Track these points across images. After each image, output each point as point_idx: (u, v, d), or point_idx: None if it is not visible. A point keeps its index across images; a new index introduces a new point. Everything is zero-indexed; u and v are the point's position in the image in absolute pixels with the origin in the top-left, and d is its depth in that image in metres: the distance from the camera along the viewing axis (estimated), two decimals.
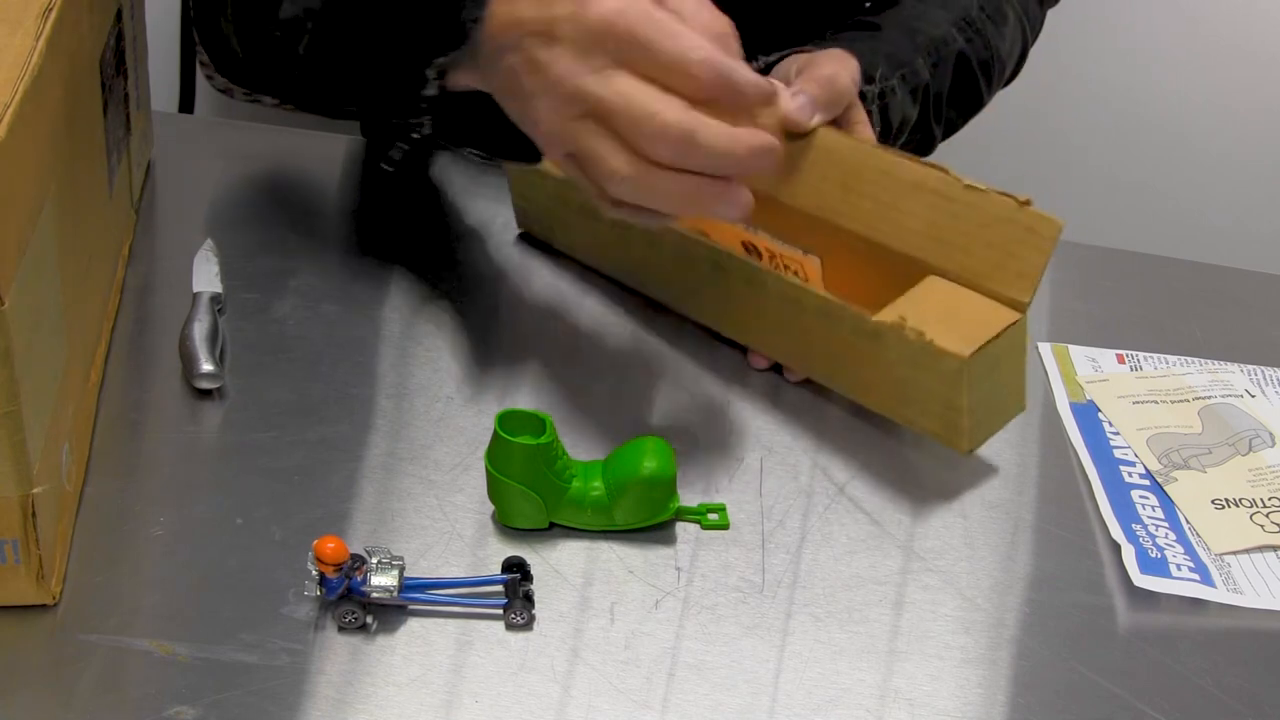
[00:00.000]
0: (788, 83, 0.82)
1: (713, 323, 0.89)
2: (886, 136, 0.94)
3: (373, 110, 0.85)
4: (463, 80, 0.76)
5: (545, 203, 0.95)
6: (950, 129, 1.05)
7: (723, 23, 0.72)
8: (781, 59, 0.87)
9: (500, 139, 0.79)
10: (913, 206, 0.80)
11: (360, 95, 0.85)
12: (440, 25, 0.74)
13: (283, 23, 0.85)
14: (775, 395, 0.85)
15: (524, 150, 0.79)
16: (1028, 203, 0.77)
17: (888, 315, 0.77)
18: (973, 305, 0.77)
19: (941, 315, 0.77)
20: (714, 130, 0.68)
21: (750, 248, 0.85)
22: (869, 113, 0.87)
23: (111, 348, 0.83)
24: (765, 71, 0.86)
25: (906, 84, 0.96)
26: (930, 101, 0.99)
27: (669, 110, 0.68)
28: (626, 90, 0.68)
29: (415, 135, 0.80)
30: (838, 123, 0.83)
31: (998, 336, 0.76)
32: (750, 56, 0.76)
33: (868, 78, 0.91)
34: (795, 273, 0.83)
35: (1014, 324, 0.76)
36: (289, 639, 0.66)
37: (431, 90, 0.76)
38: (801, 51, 0.87)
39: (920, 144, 1.01)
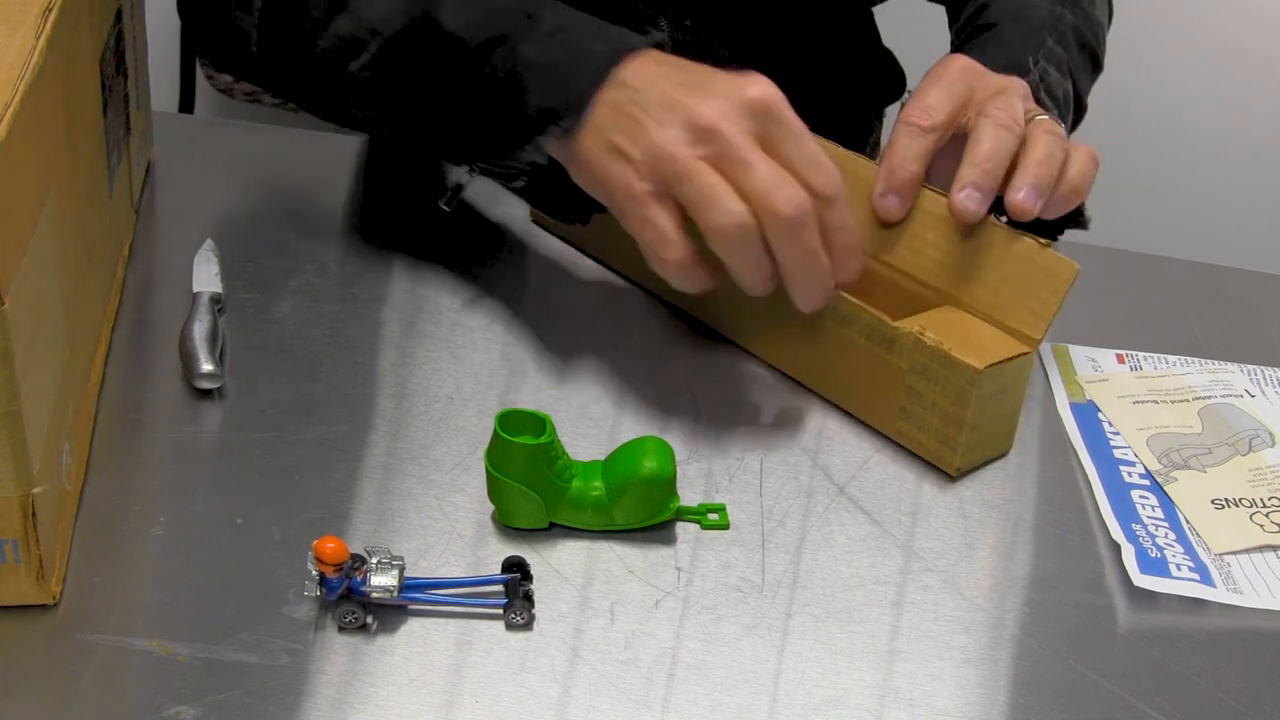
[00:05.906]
0: (954, 120, 0.82)
1: (723, 326, 0.89)
2: (1064, 114, 0.93)
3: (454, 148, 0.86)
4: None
5: None
6: (1081, 101, 1.03)
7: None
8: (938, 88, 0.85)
9: (555, 200, 0.86)
10: (934, 238, 0.83)
11: (437, 135, 0.85)
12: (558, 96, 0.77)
13: (338, 38, 0.84)
14: (775, 395, 0.85)
15: (576, 210, 0.85)
16: (1048, 245, 0.80)
17: (906, 324, 0.79)
18: (986, 333, 0.80)
19: (957, 335, 0.79)
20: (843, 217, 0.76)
21: None
22: (1039, 101, 0.88)
23: (111, 348, 0.83)
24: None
25: (1050, 62, 0.95)
26: (1071, 73, 0.98)
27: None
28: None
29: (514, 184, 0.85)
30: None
31: (1009, 360, 0.78)
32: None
33: (1022, 69, 0.91)
34: None
35: (1024, 354, 0.79)
36: (289, 639, 0.66)
37: (535, 156, 0.79)
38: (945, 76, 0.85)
39: (1078, 113, 1.00)
